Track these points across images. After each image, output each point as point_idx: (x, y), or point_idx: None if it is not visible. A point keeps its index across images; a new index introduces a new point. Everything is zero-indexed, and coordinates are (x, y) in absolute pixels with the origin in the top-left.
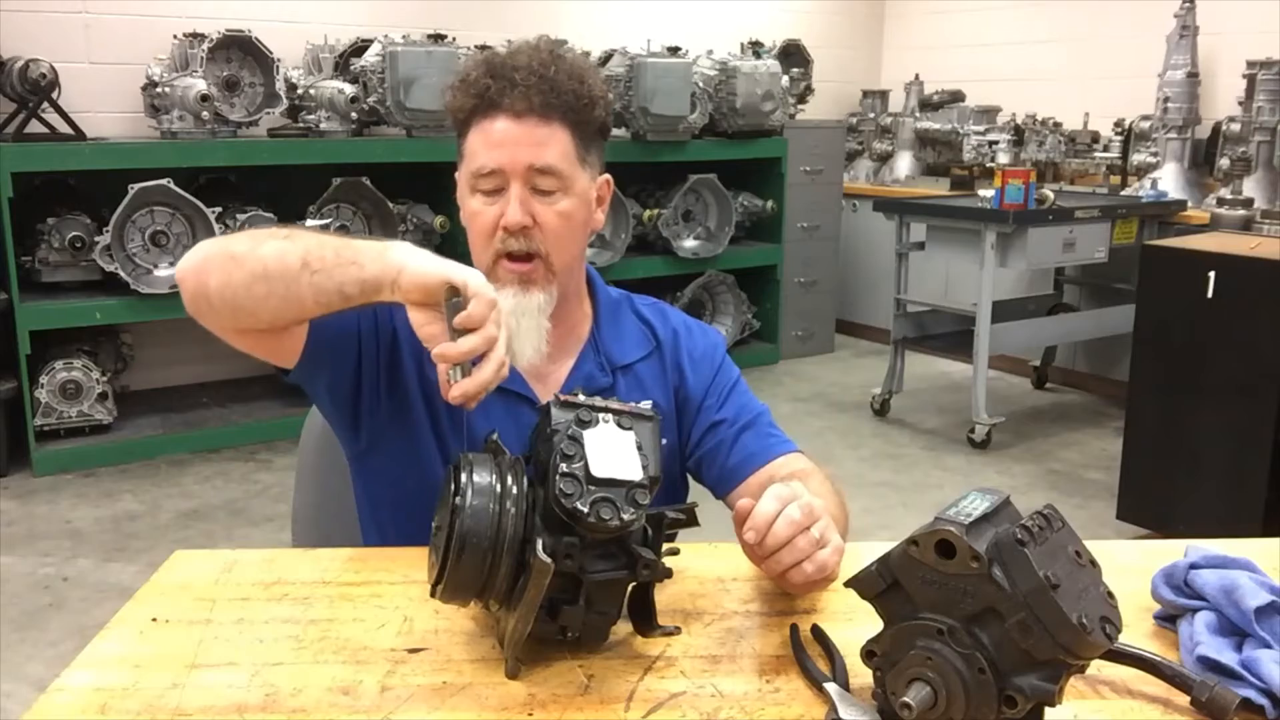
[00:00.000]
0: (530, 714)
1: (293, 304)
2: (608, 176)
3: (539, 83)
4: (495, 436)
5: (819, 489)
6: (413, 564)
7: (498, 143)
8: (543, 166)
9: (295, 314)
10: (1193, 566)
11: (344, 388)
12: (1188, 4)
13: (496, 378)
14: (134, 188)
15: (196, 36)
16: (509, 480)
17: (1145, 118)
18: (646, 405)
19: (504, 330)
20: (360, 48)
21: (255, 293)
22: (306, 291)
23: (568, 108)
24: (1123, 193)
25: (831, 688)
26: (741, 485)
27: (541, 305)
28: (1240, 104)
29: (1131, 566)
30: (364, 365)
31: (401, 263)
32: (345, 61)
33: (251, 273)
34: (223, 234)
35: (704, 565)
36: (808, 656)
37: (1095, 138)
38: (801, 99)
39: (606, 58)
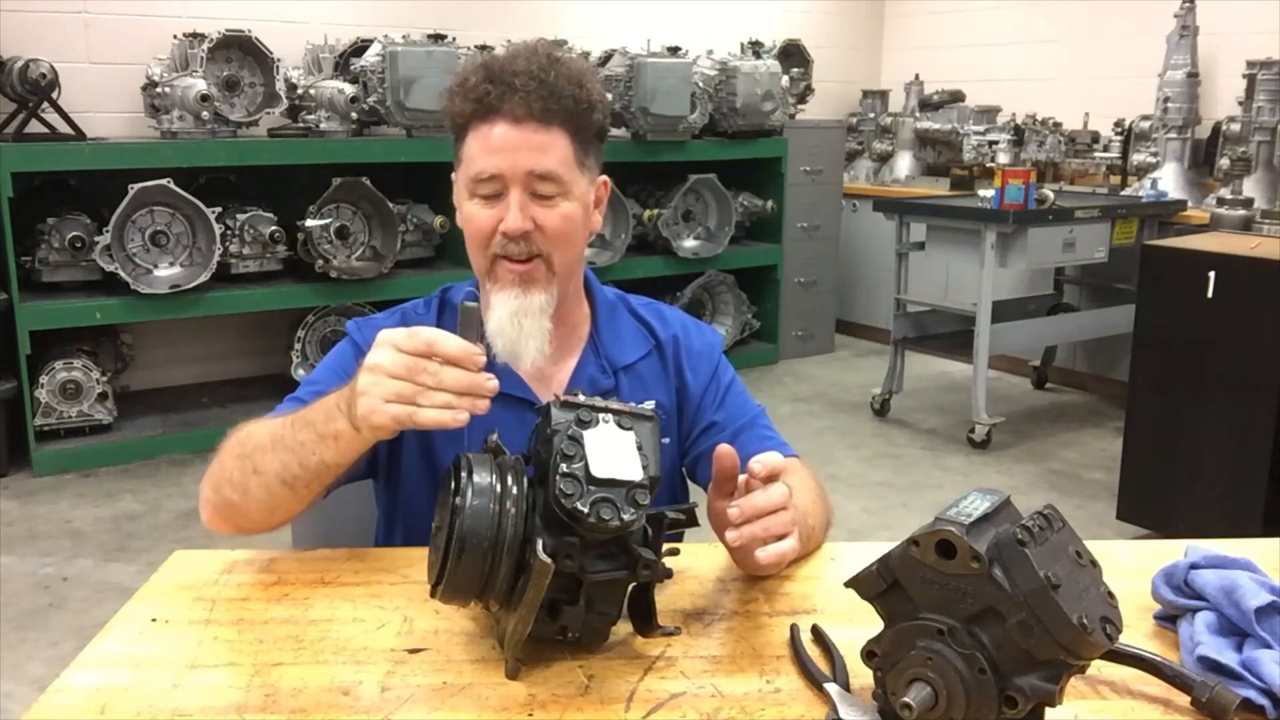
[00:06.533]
0: (530, 714)
1: (305, 498)
2: (605, 178)
3: (539, 88)
4: (495, 437)
5: (800, 484)
6: (413, 564)
7: (497, 148)
8: (543, 172)
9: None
10: (1193, 566)
11: None
12: (1188, 4)
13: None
14: (134, 188)
15: (196, 36)
16: (509, 480)
17: (1145, 118)
18: (650, 405)
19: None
20: (360, 48)
21: (275, 517)
22: (311, 489)
23: (567, 113)
24: (1123, 193)
25: (831, 688)
26: None
27: (543, 306)
28: (1240, 104)
29: (1131, 566)
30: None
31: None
32: (345, 61)
33: (258, 509)
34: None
35: (704, 565)
36: (808, 656)
37: (1095, 138)
38: (801, 99)
39: (606, 58)
